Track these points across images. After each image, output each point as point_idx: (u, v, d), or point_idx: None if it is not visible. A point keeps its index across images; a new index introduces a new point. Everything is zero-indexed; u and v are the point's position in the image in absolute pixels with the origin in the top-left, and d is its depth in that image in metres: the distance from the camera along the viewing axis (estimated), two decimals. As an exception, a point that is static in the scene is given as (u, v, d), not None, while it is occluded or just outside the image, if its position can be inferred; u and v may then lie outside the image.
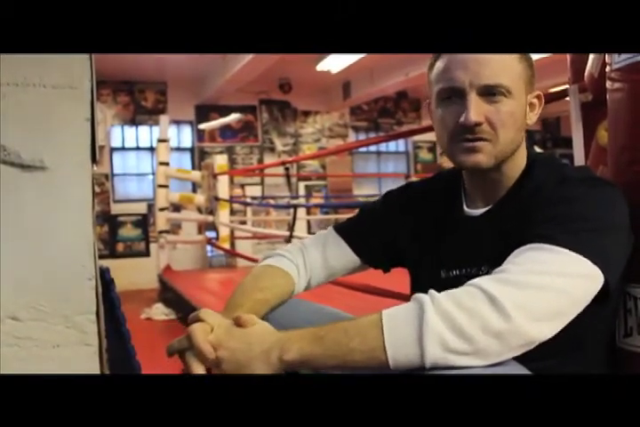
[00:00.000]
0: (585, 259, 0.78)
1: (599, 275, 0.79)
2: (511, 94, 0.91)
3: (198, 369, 0.82)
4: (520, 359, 0.77)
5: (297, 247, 1.12)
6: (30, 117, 0.76)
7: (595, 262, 0.78)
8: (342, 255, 1.11)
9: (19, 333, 0.75)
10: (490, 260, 0.90)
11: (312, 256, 1.10)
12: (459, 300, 0.74)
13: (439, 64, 0.94)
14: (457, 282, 0.81)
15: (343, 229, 1.13)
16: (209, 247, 6.86)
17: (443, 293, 0.77)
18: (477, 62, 0.89)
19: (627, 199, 0.87)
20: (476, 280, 0.78)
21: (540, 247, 0.80)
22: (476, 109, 0.89)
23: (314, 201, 7.82)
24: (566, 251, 0.78)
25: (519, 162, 0.97)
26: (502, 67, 0.90)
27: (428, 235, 1.05)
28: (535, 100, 0.97)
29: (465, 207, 1.02)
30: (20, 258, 0.75)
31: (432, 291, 0.77)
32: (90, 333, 0.78)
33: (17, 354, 0.75)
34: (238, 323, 0.85)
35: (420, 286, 1.04)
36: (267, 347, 0.80)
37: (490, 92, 0.90)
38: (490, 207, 0.98)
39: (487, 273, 0.88)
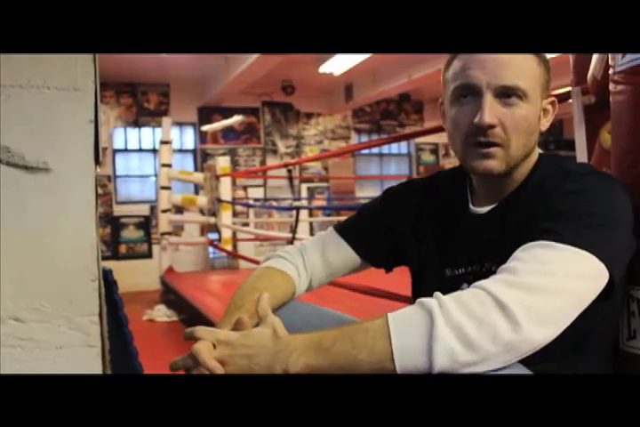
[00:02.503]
0: (591, 256, 0.78)
1: (604, 271, 0.79)
2: (527, 98, 0.89)
3: None
4: (520, 362, 0.76)
5: (296, 249, 1.11)
6: (34, 119, 0.76)
7: (600, 259, 0.78)
8: (342, 254, 1.10)
9: (21, 334, 0.75)
10: (495, 258, 0.89)
11: (312, 257, 1.09)
12: (468, 307, 0.73)
13: (457, 62, 0.93)
14: (462, 280, 0.80)
15: (343, 228, 1.13)
16: (211, 249, 6.87)
17: (449, 296, 0.76)
18: (497, 63, 0.88)
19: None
20: (484, 283, 0.77)
21: (547, 245, 0.79)
22: (491, 111, 0.88)
23: (316, 203, 7.82)
24: (572, 249, 0.78)
25: (529, 165, 0.96)
26: (521, 69, 0.89)
27: (431, 232, 1.04)
28: (549, 107, 0.96)
29: (471, 205, 1.02)
30: (24, 259, 0.75)
31: (438, 294, 0.76)
32: (92, 334, 0.78)
33: (19, 355, 0.75)
34: (237, 326, 0.86)
35: (423, 284, 1.04)
36: (270, 359, 0.79)
37: (506, 94, 0.89)
38: (495, 205, 0.97)
39: (491, 270, 0.88)
